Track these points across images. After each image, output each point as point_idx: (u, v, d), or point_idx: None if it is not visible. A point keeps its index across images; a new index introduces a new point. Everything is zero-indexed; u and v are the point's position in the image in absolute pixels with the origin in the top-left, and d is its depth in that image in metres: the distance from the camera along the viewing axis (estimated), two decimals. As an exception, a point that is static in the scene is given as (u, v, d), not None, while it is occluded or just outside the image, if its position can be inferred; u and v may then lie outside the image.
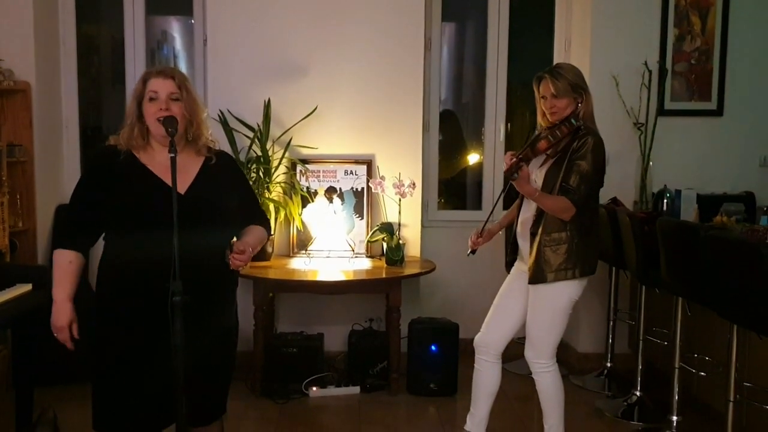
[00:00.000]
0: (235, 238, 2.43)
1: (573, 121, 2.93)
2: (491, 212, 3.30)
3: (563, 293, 3.01)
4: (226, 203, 2.39)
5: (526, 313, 3.15)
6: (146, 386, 2.26)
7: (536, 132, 3.08)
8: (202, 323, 2.29)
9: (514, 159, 2.88)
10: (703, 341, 3.60)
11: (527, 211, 3.06)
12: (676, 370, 3.51)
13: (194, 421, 2.43)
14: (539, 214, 2.98)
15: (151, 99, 2.29)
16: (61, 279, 2.34)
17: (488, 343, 3.21)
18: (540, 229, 2.97)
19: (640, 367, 3.98)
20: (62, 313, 2.34)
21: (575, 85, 2.95)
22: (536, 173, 3.03)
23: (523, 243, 3.10)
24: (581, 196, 2.90)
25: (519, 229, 3.12)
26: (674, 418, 3.49)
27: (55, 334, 2.36)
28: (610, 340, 4.38)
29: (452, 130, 5.22)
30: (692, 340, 3.62)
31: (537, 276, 2.98)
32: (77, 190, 2.42)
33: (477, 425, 3.26)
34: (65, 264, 2.34)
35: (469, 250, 3.21)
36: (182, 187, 2.31)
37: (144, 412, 2.31)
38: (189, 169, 2.36)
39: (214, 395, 2.48)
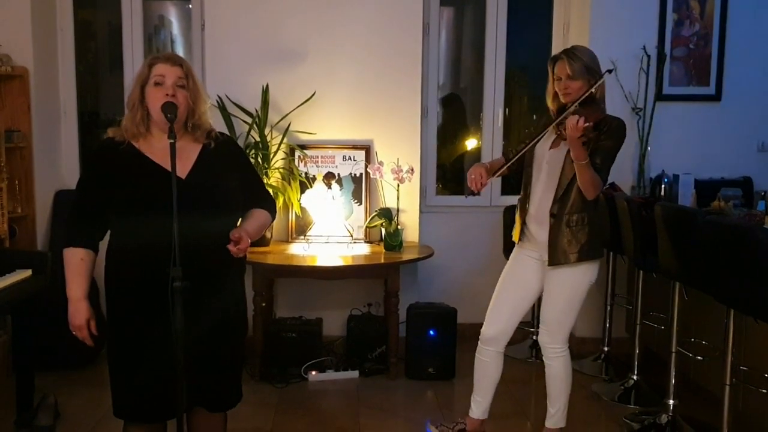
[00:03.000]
0: (240, 221, 2.42)
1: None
2: (507, 164, 3.02)
3: (584, 277, 3.01)
4: (228, 185, 2.37)
5: (533, 299, 3.15)
6: (157, 373, 2.26)
7: (571, 107, 2.89)
8: (208, 308, 2.30)
9: (588, 123, 2.73)
10: (699, 325, 3.62)
11: (545, 193, 3.01)
12: (673, 354, 3.52)
13: (214, 407, 2.45)
14: (564, 195, 2.94)
15: (157, 83, 2.27)
16: (75, 277, 2.33)
17: (497, 336, 3.19)
18: (565, 209, 2.95)
19: (637, 351, 4.01)
20: (80, 312, 2.33)
21: (590, 68, 2.93)
22: (547, 155, 3.01)
23: (538, 226, 3.05)
24: (605, 175, 2.90)
25: (533, 211, 3.06)
26: (671, 401, 3.51)
27: (74, 332, 2.35)
28: (608, 325, 4.41)
29: (457, 114, 5.21)
30: (689, 324, 3.63)
31: (560, 257, 2.96)
32: (80, 186, 2.42)
33: (485, 411, 3.29)
34: (77, 262, 2.33)
35: (470, 193, 3.00)
36: (183, 172, 2.30)
37: (156, 399, 2.31)
38: (189, 155, 2.35)
39: (231, 380, 2.49)
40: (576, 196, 2.93)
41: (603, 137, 2.87)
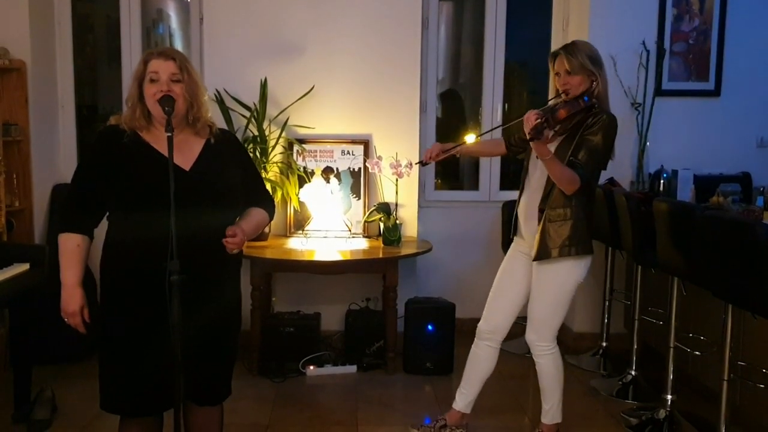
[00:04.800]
0: (238, 218, 2.42)
1: (586, 99, 2.89)
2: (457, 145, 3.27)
3: (570, 274, 3.00)
4: (230, 180, 2.38)
5: (527, 294, 3.15)
6: (151, 366, 2.26)
7: (552, 102, 3.00)
8: (205, 302, 2.30)
9: (539, 120, 2.75)
10: (697, 321, 3.62)
11: (534, 191, 3.02)
12: (671, 350, 3.52)
13: (203, 400, 2.44)
14: (551, 191, 2.94)
15: (152, 80, 2.27)
16: (70, 263, 2.32)
17: (494, 330, 3.20)
18: (546, 205, 2.94)
19: (635, 346, 4.01)
20: (74, 299, 2.32)
21: (590, 64, 2.92)
22: None
23: (527, 222, 3.06)
24: (588, 171, 2.87)
25: (522, 208, 3.08)
26: (669, 396, 3.51)
27: (66, 319, 2.34)
28: (606, 320, 4.41)
29: (454, 109, 5.20)
30: (687, 319, 3.63)
31: (541, 252, 2.95)
32: (79, 171, 2.40)
33: (468, 405, 3.29)
34: (73, 248, 2.32)
35: (421, 161, 3.28)
36: (187, 165, 2.31)
37: (150, 392, 2.31)
38: (192, 148, 2.35)
39: (221, 375, 2.48)
40: (558, 192, 2.92)
41: (587, 133, 2.86)
